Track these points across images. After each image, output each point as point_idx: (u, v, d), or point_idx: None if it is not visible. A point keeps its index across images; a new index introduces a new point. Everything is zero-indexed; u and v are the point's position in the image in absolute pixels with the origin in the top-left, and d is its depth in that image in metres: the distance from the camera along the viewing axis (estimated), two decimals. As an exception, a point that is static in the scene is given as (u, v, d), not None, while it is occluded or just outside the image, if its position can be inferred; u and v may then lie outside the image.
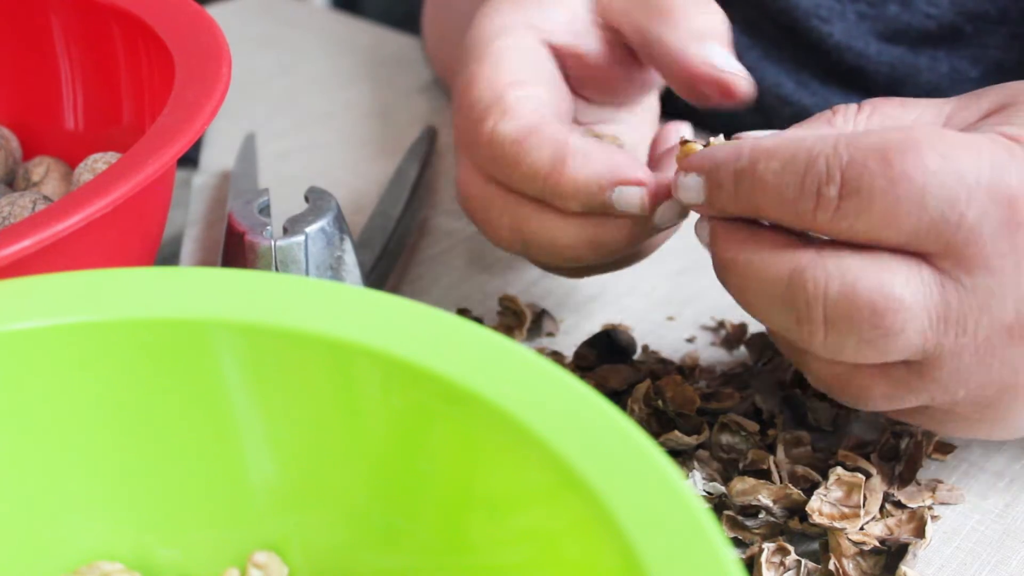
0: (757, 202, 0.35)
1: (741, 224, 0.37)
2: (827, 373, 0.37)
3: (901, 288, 0.33)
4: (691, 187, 0.37)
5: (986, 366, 0.34)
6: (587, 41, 0.44)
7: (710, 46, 0.41)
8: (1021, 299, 0.33)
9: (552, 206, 0.41)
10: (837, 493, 0.39)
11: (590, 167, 0.39)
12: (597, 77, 0.45)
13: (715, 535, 0.25)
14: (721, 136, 0.39)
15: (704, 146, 0.38)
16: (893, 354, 0.35)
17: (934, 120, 0.37)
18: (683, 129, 0.47)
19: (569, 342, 0.49)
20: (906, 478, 0.41)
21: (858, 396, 0.37)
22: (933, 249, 0.33)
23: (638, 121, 0.47)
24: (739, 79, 0.41)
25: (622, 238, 0.41)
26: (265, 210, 0.46)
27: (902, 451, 0.42)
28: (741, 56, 0.62)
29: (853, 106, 0.38)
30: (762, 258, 0.35)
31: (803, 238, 0.35)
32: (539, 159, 0.40)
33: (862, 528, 0.38)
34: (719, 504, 0.40)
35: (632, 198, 0.39)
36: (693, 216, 0.40)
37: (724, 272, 0.37)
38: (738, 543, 0.39)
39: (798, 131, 0.38)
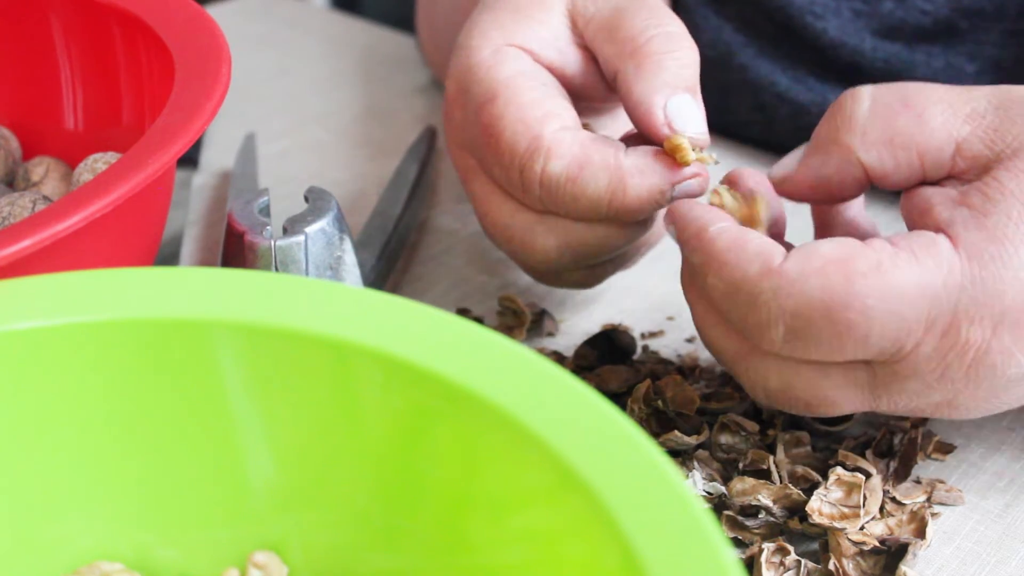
0: (716, 303, 0.38)
1: None
2: None
3: (833, 392, 0.37)
4: (674, 235, 0.40)
5: (919, 411, 0.38)
6: (570, 59, 0.44)
7: (676, 102, 0.41)
8: (947, 393, 0.36)
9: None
10: (837, 493, 0.39)
11: (649, 181, 0.41)
12: (579, 92, 0.45)
13: (715, 535, 0.25)
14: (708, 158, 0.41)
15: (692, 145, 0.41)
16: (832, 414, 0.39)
17: (943, 147, 0.37)
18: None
19: (569, 342, 0.49)
20: (901, 475, 0.41)
21: None
22: (873, 360, 0.36)
23: (619, 123, 0.48)
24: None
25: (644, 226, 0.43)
26: (265, 210, 0.46)
27: (896, 447, 0.42)
28: (736, 53, 0.63)
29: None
30: (715, 325, 0.39)
31: None
32: (598, 189, 0.41)
33: (862, 528, 0.38)
34: (719, 504, 0.40)
35: (692, 188, 0.41)
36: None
37: (690, 306, 0.40)
38: (738, 543, 0.39)
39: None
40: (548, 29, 0.44)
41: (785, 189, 0.40)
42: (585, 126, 0.44)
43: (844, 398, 0.37)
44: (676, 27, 0.43)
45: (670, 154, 0.40)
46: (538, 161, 0.41)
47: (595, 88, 0.45)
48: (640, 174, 0.40)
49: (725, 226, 0.37)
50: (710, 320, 0.39)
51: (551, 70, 0.44)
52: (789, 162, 0.40)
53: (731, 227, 0.37)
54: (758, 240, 0.37)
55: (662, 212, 0.43)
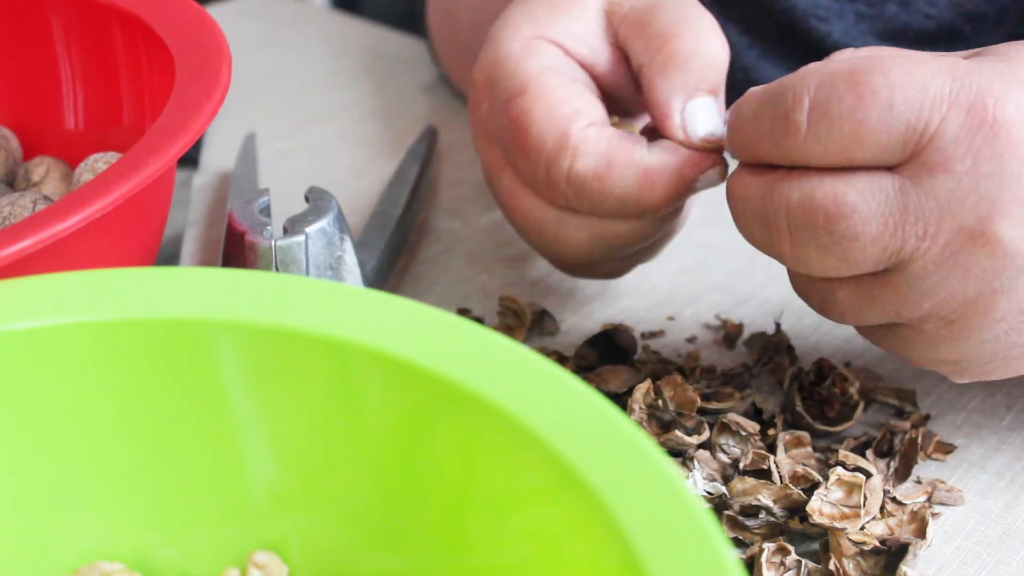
0: (743, 141, 0.38)
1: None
2: (805, 286, 0.39)
3: (855, 196, 0.35)
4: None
5: (948, 273, 0.35)
6: (602, 57, 0.44)
7: (694, 105, 0.41)
8: (980, 202, 0.34)
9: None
10: (837, 493, 0.39)
11: (673, 173, 0.41)
12: (610, 90, 0.45)
13: (715, 535, 0.25)
14: None
15: None
16: (854, 264, 0.36)
17: None
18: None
19: (569, 342, 0.49)
20: (901, 474, 0.41)
21: (826, 306, 0.39)
22: (898, 159, 0.35)
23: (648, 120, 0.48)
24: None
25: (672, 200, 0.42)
26: (265, 210, 0.46)
27: (896, 447, 0.42)
28: (740, 55, 0.63)
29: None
30: (746, 180, 0.38)
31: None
32: (626, 188, 0.41)
33: (862, 528, 0.38)
34: (719, 504, 0.40)
35: (713, 179, 0.41)
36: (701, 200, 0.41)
37: (729, 201, 0.39)
38: (738, 543, 0.39)
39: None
40: (582, 24, 0.44)
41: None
42: (615, 123, 0.44)
43: (868, 207, 0.35)
44: (707, 23, 0.43)
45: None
46: (565, 159, 0.41)
47: (626, 87, 0.45)
48: (665, 169, 0.41)
49: None
50: (747, 175, 0.38)
51: (583, 66, 0.44)
52: None
53: None
54: None
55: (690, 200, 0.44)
